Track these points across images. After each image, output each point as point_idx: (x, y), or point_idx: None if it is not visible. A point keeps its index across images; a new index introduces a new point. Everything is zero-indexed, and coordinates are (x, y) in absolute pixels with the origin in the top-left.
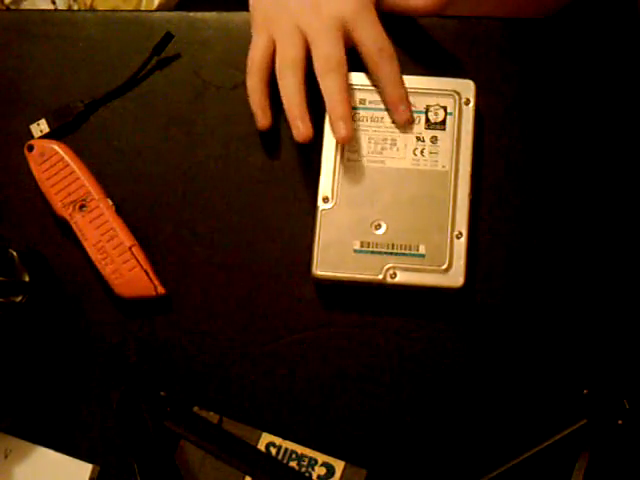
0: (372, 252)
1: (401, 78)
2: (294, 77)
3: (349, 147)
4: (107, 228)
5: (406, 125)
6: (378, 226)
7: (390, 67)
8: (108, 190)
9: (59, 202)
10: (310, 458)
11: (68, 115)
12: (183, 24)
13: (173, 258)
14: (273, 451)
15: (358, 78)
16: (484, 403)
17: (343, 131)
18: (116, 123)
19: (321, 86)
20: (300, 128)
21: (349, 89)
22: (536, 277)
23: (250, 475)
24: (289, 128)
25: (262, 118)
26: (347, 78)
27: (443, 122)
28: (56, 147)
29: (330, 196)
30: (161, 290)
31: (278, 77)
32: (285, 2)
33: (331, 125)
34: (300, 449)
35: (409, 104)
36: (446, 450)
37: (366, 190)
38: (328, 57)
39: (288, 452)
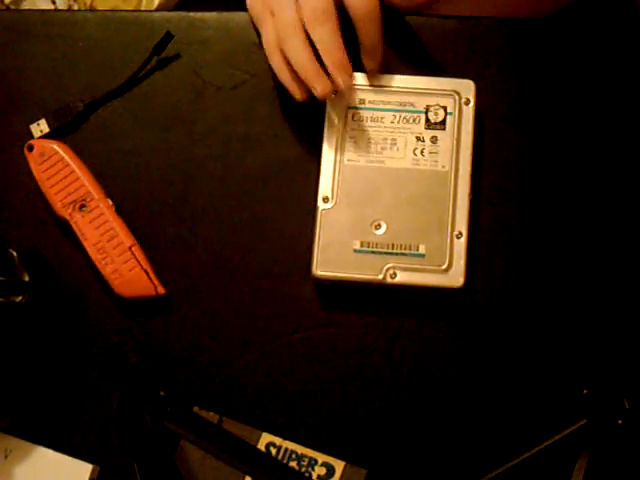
0: (372, 252)
1: (381, 43)
2: (296, 38)
3: (349, 147)
4: (107, 228)
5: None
6: (378, 226)
7: (373, 29)
8: (108, 190)
9: (59, 202)
10: (310, 458)
11: (68, 115)
12: (183, 24)
13: (173, 258)
14: (273, 451)
15: (358, 78)
16: (484, 403)
17: (340, 79)
18: (116, 123)
19: (313, 39)
20: (318, 84)
21: (341, 37)
22: (536, 277)
23: (250, 475)
24: (288, 127)
25: (297, 91)
26: (337, 27)
27: (443, 122)
28: (56, 147)
29: (330, 196)
30: (161, 290)
31: (282, 44)
32: None
33: (330, 76)
34: (300, 449)
35: (377, 67)
36: (446, 450)
37: (366, 190)
38: (314, 9)
39: (288, 452)
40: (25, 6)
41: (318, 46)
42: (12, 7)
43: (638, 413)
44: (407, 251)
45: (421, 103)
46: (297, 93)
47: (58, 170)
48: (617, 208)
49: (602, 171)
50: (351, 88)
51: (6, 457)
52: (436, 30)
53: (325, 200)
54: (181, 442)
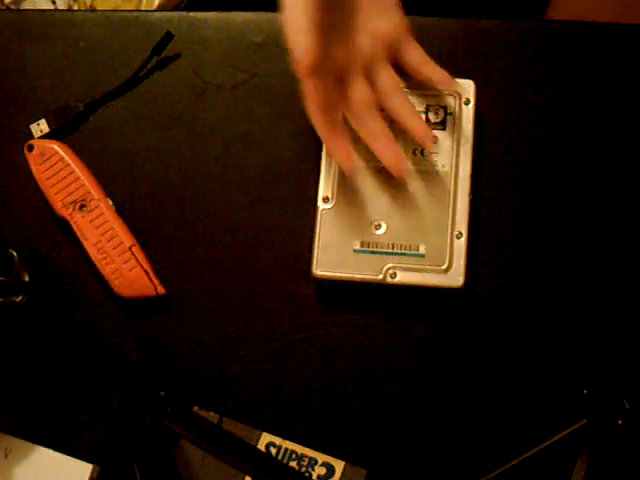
0: (372, 252)
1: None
2: (371, 111)
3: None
4: (107, 228)
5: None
6: (378, 226)
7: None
8: (108, 190)
9: (59, 202)
10: (310, 458)
11: (68, 115)
12: (183, 24)
13: (173, 258)
14: (273, 451)
15: None
16: (484, 403)
17: (427, 140)
18: (116, 123)
19: (389, 109)
20: (395, 157)
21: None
22: (536, 277)
23: (250, 475)
24: (288, 127)
25: (346, 160)
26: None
27: (443, 122)
28: (56, 147)
29: (330, 196)
30: (161, 290)
31: (356, 118)
32: None
33: (415, 137)
34: (300, 449)
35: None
36: (446, 450)
37: (366, 190)
38: (389, 84)
39: (288, 452)
40: (25, 6)
41: (395, 115)
42: (12, 7)
43: (638, 413)
44: (407, 251)
45: (421, 103)
46: (346, 162)
47: (58, 170)
48: (617, 208)
49: (602, 170)
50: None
51: (6, 457)
52: (436, 30)
53: (325, 200)
54: (181, 442)
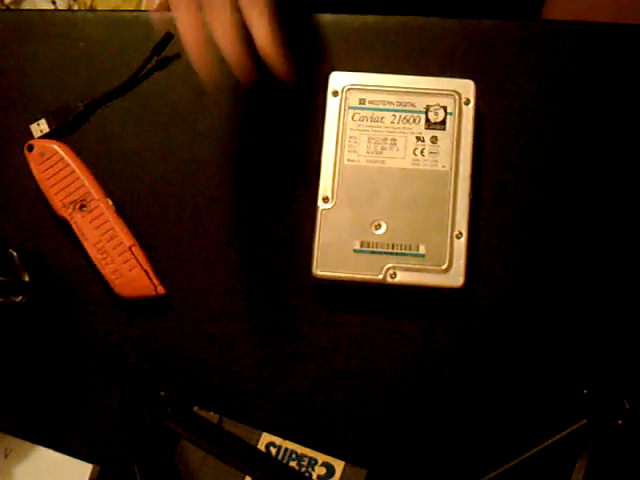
0: (372, 252)
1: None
2: (225, 10)
3: (349, 147)
4: (107, 228)
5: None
6: (378, 226)
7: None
8: (108, 190)
9: (59, 202)
10: (310, 458)
11: (68, 115)
12: None
13: (173, 258)
14: (273, 451)
15: (358, 78)
16: (484, 403)
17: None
18: (116, 123)
19: (244, 14)
20: (244, 65)
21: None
22: (536, 277)
23: (250, 475)
24: (288, 127)
25: (205, 66)
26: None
27: (443, 122)
28: (56, 147)
29: (330, 196)
30: (161, 290)
31: (206, 12)
32: None
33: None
34: (300, 449)
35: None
36: (446, 450)
37: (366, 190)
38: None
39: (288, 452)
40: (25, 6)
41: (243, 12)
42: (12, 7)
43: (638, 413)
44: (407, 251)
45: (421, 103)
46: (204, 70)
47: (58, 170)
48: (617, 208)
49: (602, 171)
50: (288, 77)
51: (6, 457)
52: (436, 30)
53: (325, 200)
54: (181, 442)
